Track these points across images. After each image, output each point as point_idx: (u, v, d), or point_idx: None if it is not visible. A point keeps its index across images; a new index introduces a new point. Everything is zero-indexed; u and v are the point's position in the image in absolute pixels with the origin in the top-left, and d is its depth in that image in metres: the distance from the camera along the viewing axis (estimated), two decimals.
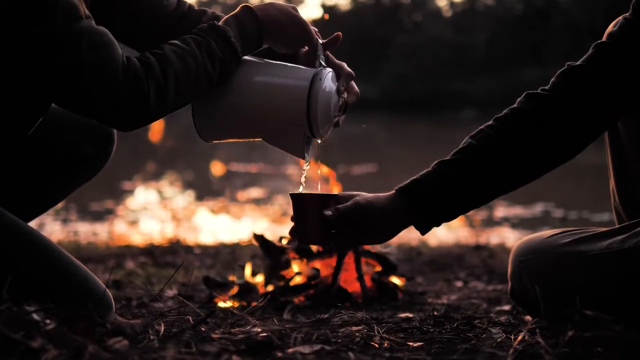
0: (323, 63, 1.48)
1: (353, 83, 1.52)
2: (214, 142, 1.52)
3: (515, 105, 1.48)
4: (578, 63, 1.46)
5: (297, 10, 1.47)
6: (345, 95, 1.49)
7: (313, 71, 1.44)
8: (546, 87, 1.47)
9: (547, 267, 1.54)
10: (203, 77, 1.36)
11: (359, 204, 1.44)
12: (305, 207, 1.45)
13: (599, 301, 1.38)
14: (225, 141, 1.53)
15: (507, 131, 1.45)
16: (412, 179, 1.45)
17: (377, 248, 2.32)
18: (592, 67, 1.44)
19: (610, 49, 1.43)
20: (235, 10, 1.45)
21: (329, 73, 1.45)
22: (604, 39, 1.48)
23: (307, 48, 1.50)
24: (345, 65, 1.52)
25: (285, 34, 1.45)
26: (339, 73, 1.49)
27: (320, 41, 1.50)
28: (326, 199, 1.45)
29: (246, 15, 1.42)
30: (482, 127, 1.47)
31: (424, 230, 1.47)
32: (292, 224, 1.49)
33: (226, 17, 1.44)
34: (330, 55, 1.51)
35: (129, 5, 1.51)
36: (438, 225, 1.47)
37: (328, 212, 1.43)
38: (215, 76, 1.37)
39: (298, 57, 1.51)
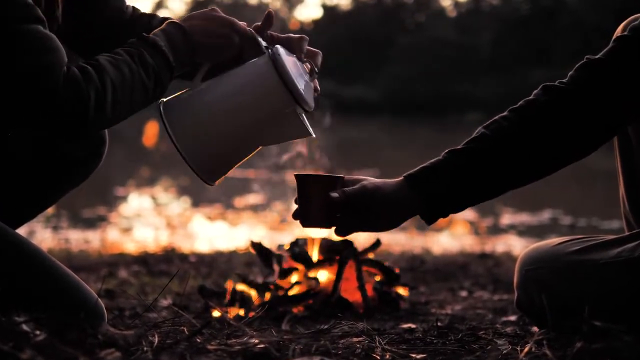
0: (265, 44, 1.48)
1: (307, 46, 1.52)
2: (222, 178, 1.50)
3: (531, 97, 1.44)
4: (598, 56, 1.42)
5: (217, 11, 1.49)
6: (306, 61, 1.49)
7: (265, 56, 1.44)
8: (564, 80, 1.43)
9: (554, 276, 1.52)
10: (139, 86, 1.37)
11: (366, 188, 1.40)
12: (311, 188, 1.42)
13: (608, 311, 1.36)
14: (231, 172, 1.51)
15: (522, 122, 1.41)
16: (421, 166, 1.42)
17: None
18: (613, 60, 1.40)
19: (632, 42, 1.39)
20: (161, 26, 1.47)
21: (279, 48, 1.45)
22: (618, 33, 1.44)
23: (247, 48, 1.49)
24: (291, 34, 1.52)
25: (215, 37, 1.45)
26: (289, 44, 1.50)
27: (254, 29, 1.50)
28: (332, 181, 1.42)
29: (171, 27, 1.44)
30: (496, 117, 1.43)
31: (429, 220, 1.43)
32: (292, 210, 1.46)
33: (153, 32, 1.45)
34: (272, 33, 1.52)
35: (91, 15, 1.55)
36: (445, 216, 1.43)
37: (334, 194, 1.39)
38: (150, 85, 1.39)
39: (243, 58, 1.51)
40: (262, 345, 1.19)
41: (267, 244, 2.40)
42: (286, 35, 1.52)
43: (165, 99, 1.45)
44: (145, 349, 1.15)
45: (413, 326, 1.86)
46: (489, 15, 30.74)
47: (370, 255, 2.38)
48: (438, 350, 1.35)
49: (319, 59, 1.51)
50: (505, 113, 1.43)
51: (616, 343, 1.18)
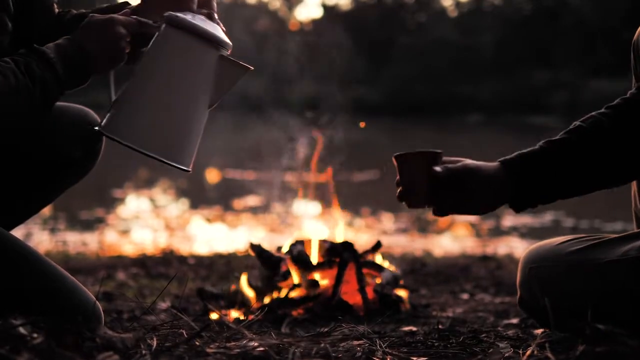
0: (151, 22, 1.49)
1: None
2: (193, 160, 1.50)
3: (627, 95, 1.44)
4: None
5: (95, 16, 1.50)
6: (201, 11, 1.51)
7: (162, 26, 1.44)
8: None
9: (558, 275, 1.51)
10: (24, 93, 1.38)
11: (468, 167, 1.43)
12: (413, 165, 1.45)
13: (613, 312, 1.35)
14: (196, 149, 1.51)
15: (618, 119, 1.41)
16: (518, 152, 1.45)
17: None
18: None
19: None
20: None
21: (169, 12, 1.45)
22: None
23: (140, 33, 1.50)
24: None
25: (103, 39, 1.46)
26: (180, 1, 1.51)
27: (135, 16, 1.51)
28: (434, 156, 1.45)
29: (63, 40, 1.46)
30: (592, 113, 1.45)
31: (518, 207, 1.44)
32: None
33: (46, 45, 1.47)
34: None
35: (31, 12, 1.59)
36: (534, 205, 1.45)
37: (437, 168, 1.42)
38: (36, 93, 1.40)
39: (143, 44, 1.51)
40: (261, 349, 1.19)
41: (266, 246, 2.38)
42: None
43: (101, 123, 1.45)
44: (143, 352, 1.15)
45: (414, 329, 1.86)
46: (490, 16, 30.68)
47: (372, 257, 2.37)
48: (439, 353, 1.35)
49: (214, 4, 1.54)
50: (602, 109, 1.44)
51: (620, 346, 1.17)
